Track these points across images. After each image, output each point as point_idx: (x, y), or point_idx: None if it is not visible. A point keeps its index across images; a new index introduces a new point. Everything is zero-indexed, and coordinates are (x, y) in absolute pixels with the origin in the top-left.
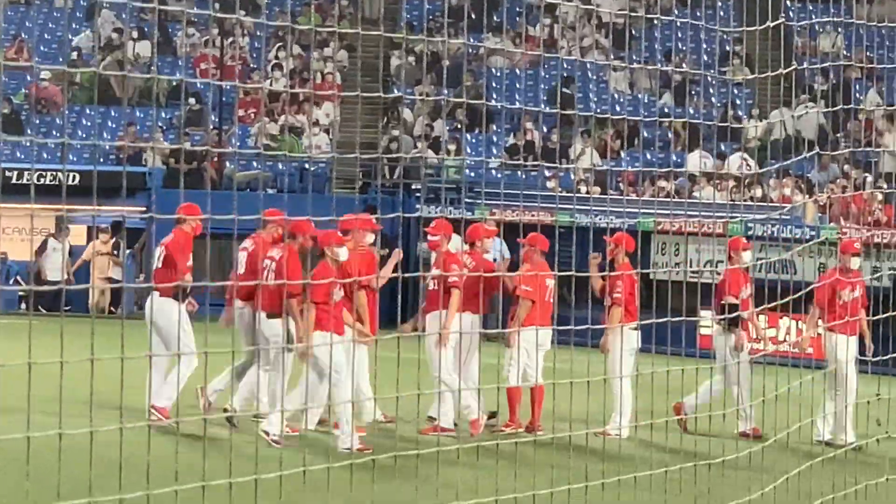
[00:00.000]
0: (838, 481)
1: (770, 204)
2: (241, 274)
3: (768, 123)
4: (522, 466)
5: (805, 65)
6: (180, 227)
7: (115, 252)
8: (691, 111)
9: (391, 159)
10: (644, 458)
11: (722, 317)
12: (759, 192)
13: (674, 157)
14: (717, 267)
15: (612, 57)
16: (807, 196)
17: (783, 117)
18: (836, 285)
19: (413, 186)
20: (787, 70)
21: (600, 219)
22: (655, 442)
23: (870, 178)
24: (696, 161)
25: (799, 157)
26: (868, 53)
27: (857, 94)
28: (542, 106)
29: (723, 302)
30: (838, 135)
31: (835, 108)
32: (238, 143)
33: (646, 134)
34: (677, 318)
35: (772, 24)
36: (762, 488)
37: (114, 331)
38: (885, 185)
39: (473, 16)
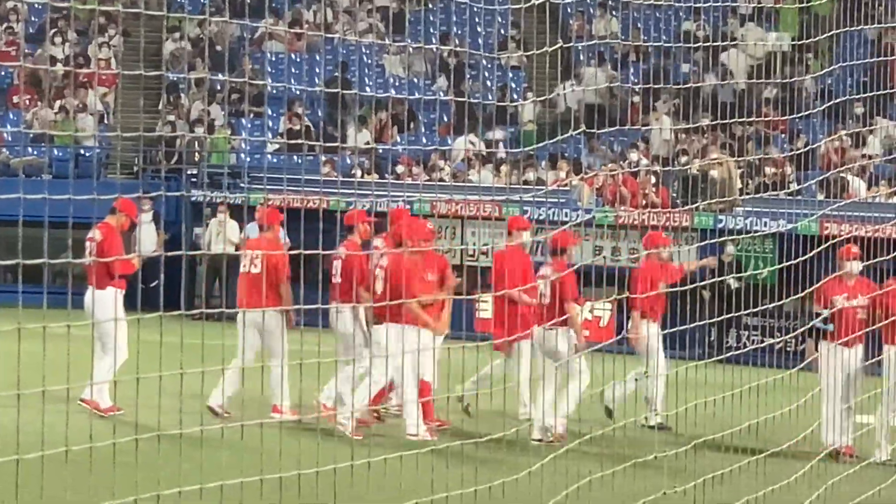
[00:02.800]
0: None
1: (544, 188)
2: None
3: (543, 105)
4: None
5: (579, 46)
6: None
7: None
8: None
9: (169, 144)
10: None
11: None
12: (531, 176)
13: (449, 141)
14: (491, 249)
15: (388, 40)
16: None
17: (554, 95)
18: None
19: (190, 171)
20: (552, 48)
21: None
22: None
23: (645, 161)
24: (467, 144)
25: (561, 137)
26: (643, 37)
27: (633, 76)
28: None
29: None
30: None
31: (597, 87)
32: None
33: (422, 117)
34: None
35: (537, 2)
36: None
37: None
38: (657, 167)
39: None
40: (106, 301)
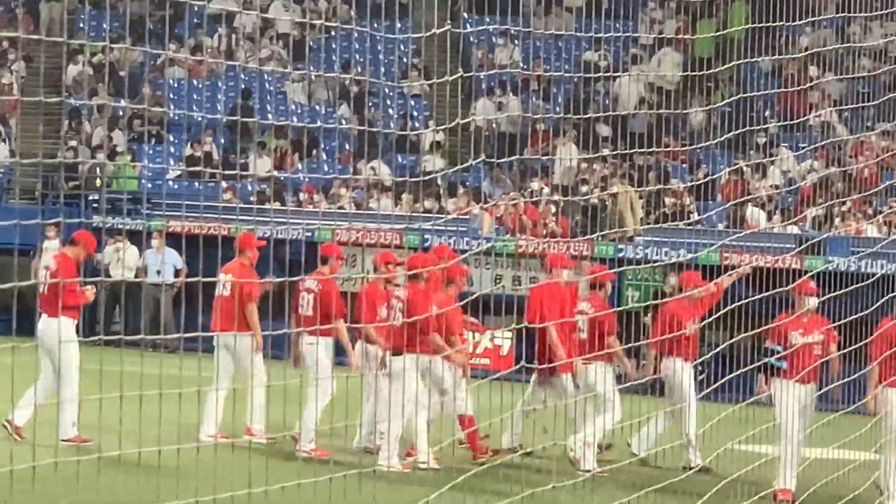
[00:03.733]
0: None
1: (445, 216)
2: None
3: (445, 133)
4: None
5: (481, 75)
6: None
7: None
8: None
9: (70, 170)
10: None
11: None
12: (432, 204)
13: (351, 168)
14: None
15: (289, 68)
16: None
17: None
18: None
19: (91, 197)
20: (453, 77)
21: (279, 230)
22: None
23: (546, 190)
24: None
25: (461, 167)
26: (545, 66)
27: (533, 105)
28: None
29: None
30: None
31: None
32: None
33: (323, 145)
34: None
35: (437, 31)
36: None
37: None
38: (559, 196)
39: (152, 26)
40: (58, 329)
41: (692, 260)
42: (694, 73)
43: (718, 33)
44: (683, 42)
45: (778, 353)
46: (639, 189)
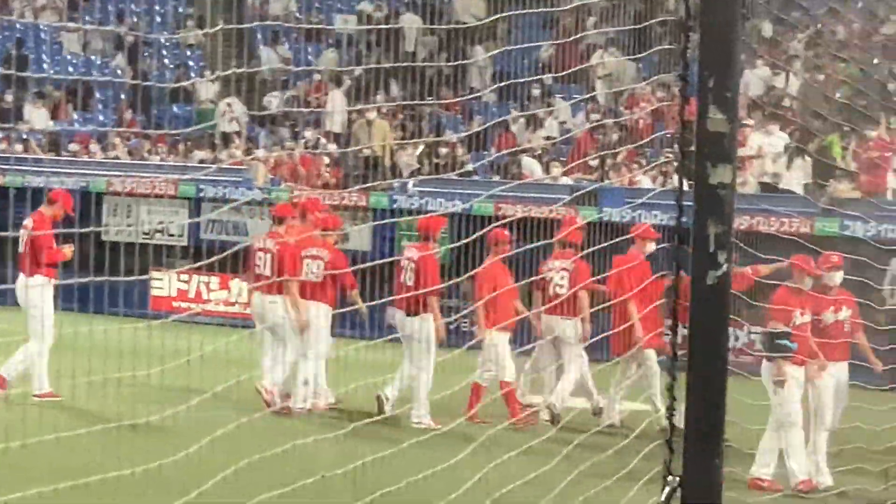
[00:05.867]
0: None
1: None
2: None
3: (221, 84)
4: None
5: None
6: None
7: None
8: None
9: None
10: None
11: None
12: (205, 154)
13: (126, 118)
14: (166, 227)
15: (65, 18)
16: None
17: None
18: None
19: None
20: (228, 27)
21: (53, 180)
22: None
23: (323, 141)
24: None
25: (236, 115)
26: (320, 16)
27: (311, 57)
28: None
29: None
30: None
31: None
32: None
33: (99, 95)
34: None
35: None
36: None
37: None
38: (334, 147)
39: None
40: (36, 288)
41: (465, 210)
42: (467, 25)
43: None
44: None
45: (788, 333)
46: (416, 141)
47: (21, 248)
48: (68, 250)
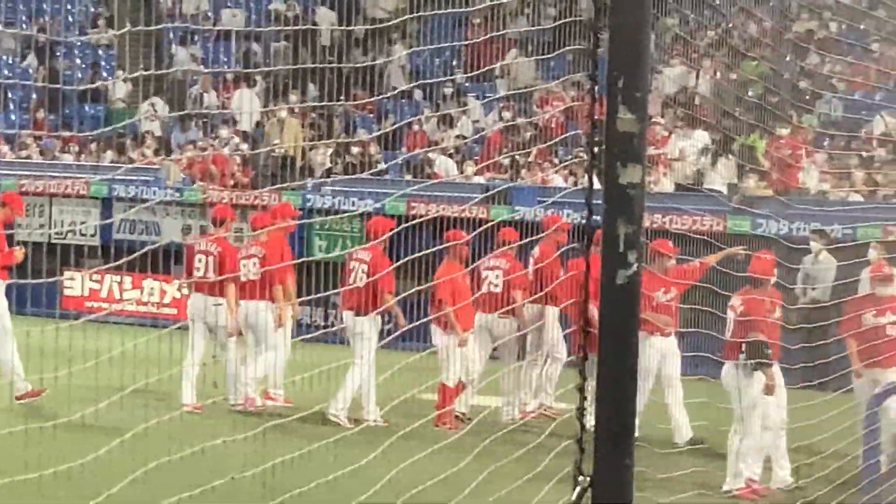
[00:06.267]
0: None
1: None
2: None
3: (134, 84)
4: None
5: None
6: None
7: None
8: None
9: None
10: None
11: None
12: (117, 155)
13: (38, 118)
14: (81, 228)
15: None
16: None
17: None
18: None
19: None
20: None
21: None
22: None
23: (236, 140)
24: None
25: (144, 115)
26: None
27: (223, 56)
28: None
29: None
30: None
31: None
32: None
33: (10, 94)
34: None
35: None
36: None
37: None
38: (245, 147)
39: None
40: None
41: (378, 210)
42: (381, 25)
43: None
44: None
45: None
46: (328, 142)
47: None
48: (20, 253)
